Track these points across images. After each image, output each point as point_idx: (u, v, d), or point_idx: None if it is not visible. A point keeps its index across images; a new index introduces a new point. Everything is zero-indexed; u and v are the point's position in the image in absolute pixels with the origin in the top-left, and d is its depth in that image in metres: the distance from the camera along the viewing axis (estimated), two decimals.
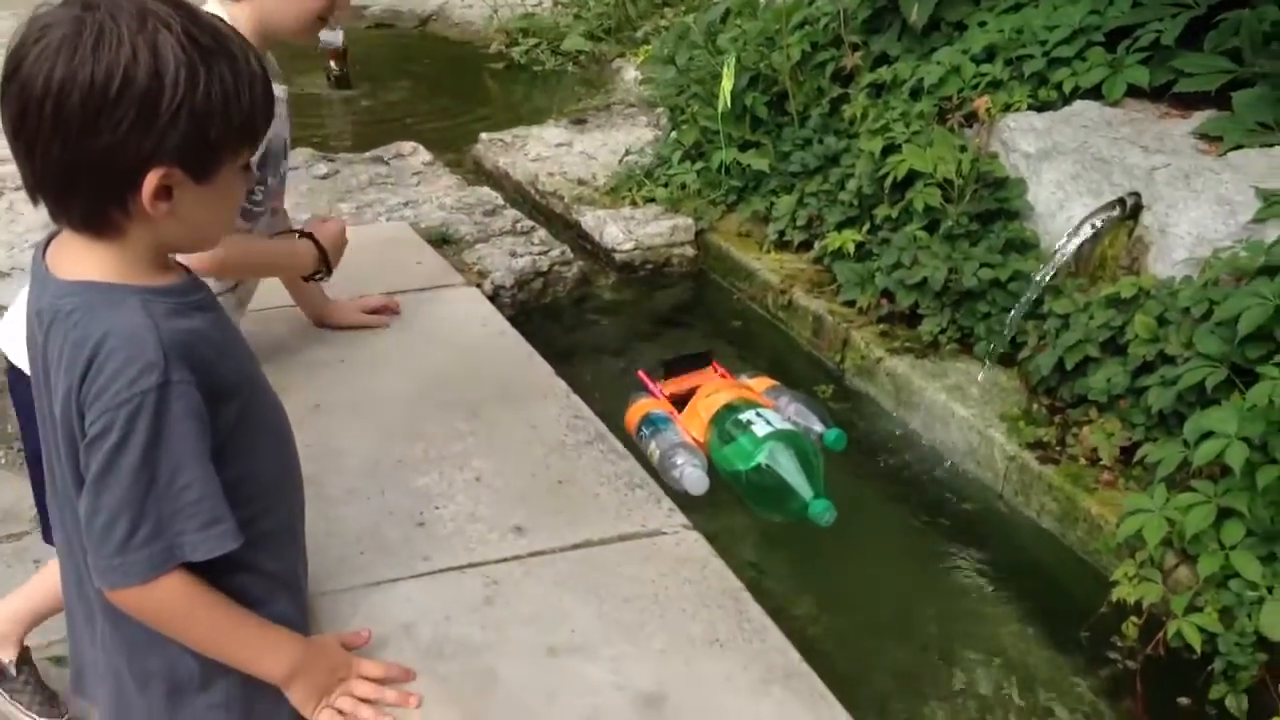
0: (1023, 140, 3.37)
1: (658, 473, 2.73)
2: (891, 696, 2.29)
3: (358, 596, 1.91)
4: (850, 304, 3.49)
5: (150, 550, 1.30)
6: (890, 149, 3.52)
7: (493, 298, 3.38)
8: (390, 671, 1.69)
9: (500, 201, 4.17)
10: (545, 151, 4.84)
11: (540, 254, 3.76)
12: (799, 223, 3.90)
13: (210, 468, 1.33)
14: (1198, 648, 2.16)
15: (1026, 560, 2.65)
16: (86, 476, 1.30)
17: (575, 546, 2.07)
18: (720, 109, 4.20)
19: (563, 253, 3.82)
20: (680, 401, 3.07)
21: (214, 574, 1.40)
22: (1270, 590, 2.12)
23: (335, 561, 1.97)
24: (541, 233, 3.94)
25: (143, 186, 1.23)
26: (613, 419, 2.69)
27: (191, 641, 1.42)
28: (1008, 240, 3.22)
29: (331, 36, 6.00)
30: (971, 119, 3.57)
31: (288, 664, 1.50)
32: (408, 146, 4.74)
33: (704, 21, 4.90)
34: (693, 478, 2.74)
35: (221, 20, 1.29)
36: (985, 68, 3.62)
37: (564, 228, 4.29)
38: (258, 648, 1.47)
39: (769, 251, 3.95)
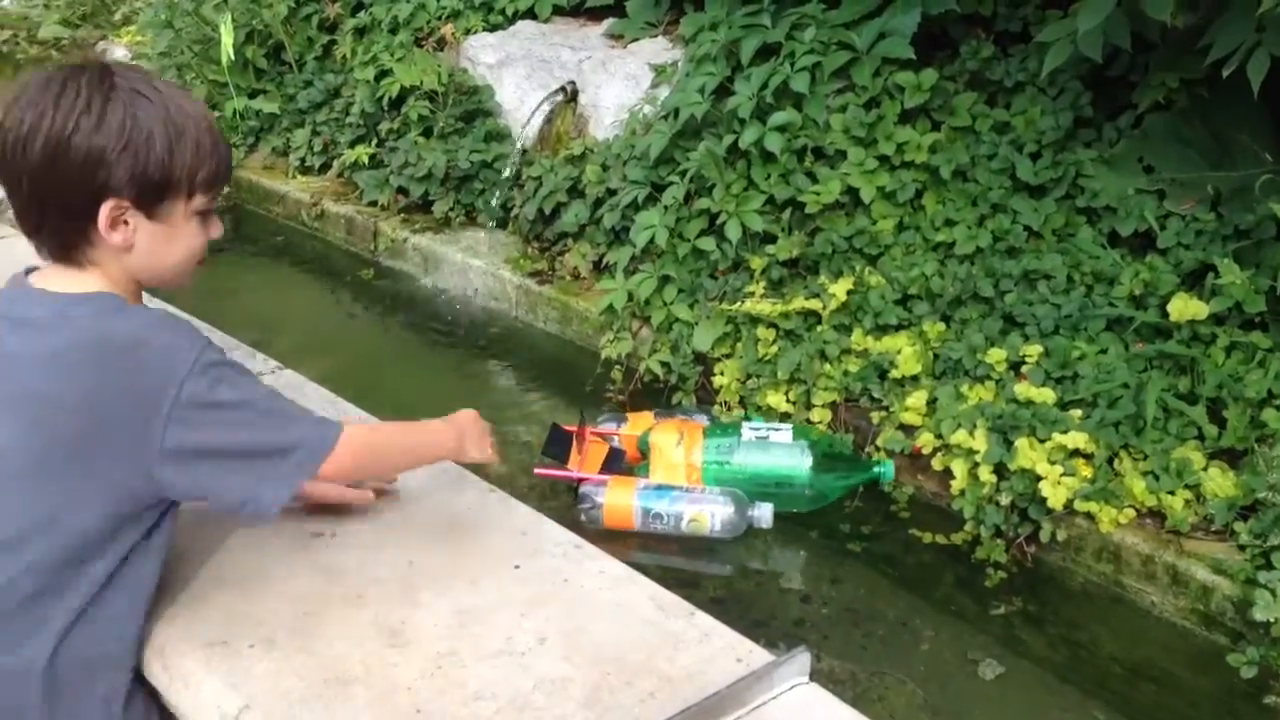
0: (484, 55, 4.01)
1: (703, 538, 2.42)
2: None
3: None
4: (374, 204, 3.96)
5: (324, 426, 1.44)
6: (382, 74, 4.02)
7: None
8: None
9: None
10: None
11: None
12: (315, 149, 4.30)
13: None
14: (661, 375, 2.93)
15: (543, 356, 3.30)
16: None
17: None
18: (224, 63, 4.44)
19: None
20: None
21: None
22: (697, 323, 2.92)
23: None
24: None
25: (99, 216, 1.36)
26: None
27: (392, 461, 1.64)
28: (487, 132, 3.85)
29: None
30: (442, 44, 4.15)
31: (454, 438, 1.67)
32: None
33: None
34: (766, 512, 2.45)
35: (184, 89, 1.46)
36: (445, 2, 4.21)
37: None
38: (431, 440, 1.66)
39: (294, 177, 4.31)
